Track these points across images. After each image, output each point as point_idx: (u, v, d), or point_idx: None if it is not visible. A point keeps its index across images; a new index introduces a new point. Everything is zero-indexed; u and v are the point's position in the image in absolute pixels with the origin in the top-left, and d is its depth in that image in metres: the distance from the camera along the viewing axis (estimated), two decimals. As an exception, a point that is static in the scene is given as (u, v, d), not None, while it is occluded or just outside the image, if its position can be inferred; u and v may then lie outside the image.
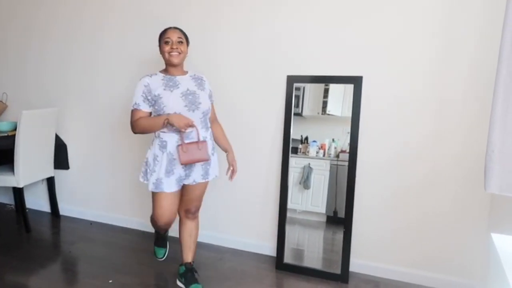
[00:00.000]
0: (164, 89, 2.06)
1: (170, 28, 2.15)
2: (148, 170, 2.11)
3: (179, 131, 2.01)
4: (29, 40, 3.33)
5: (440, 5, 2.18)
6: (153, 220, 2.22)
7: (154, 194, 2.12)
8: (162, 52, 2.12)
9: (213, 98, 2.27)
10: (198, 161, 2.07)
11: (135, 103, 2.08)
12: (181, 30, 2.16)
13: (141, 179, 2.16)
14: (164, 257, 2.49)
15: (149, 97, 2.06)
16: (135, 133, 2.13)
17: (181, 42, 2.11)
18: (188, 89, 2.10)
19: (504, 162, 1.44)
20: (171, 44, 2.08)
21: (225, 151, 2.30)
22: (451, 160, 2.25)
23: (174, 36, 2.09)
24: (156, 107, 2.06)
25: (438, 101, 2.24)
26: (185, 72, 2.19)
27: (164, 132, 2.07)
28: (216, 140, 2.27)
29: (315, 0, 2.43)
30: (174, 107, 2.04)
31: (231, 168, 2.28)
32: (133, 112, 2.10)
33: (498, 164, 1.45)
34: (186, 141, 2.04)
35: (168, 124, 2.00)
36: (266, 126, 2.63)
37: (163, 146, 2.07)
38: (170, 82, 2.10)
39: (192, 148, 2.04)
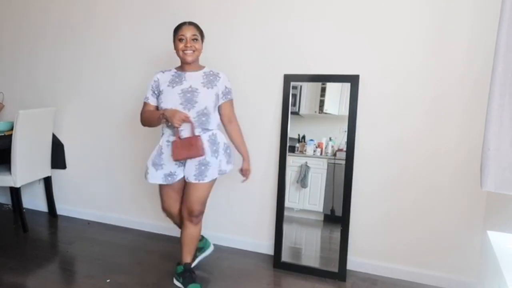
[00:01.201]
0: (168, 85, 2.11)
1: (184, 24, 2.10)
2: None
3: (173, 126, 2.02)
4: (25, 40, 3.31)
5: (435, 3, 2.18)
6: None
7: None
8: (176, 49, 2.10)
9: (231, 96, 2.23)
10: (191, 157, 2.05)
11: (146, 97, 2.19)
12: (196, 26, 2.12)
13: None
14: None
15: (156, 92, 2.16)
16: (142, 125, 2.24)
17: (196, 39, 2.09)
18: (190, 86, 2.09)
19: (500, 160, 1.45)
20: (185, 42, 2.06)
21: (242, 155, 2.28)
22: (448, 159, 2.26)
23: (188, 33, 2.07)
24: (158, 102, 2.14)
25: (435, 99, 2.25)
26: (200, 68, 2.18)
27: (166, 127, 2.14)
28: (232, 143, 2.26)
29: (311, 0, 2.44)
30: (170, 103, 2.06)
31: (244, 178, 2.31)
32: (143, 105, 2.21)
33: (494, 162, 1.45)
34: (183, 138, 2.05)
35: (164, 118, 2.03)
36: (263, 125, 2.63)
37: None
38: (176, 78, 2.13)
39: (185, 144, 2.03)
